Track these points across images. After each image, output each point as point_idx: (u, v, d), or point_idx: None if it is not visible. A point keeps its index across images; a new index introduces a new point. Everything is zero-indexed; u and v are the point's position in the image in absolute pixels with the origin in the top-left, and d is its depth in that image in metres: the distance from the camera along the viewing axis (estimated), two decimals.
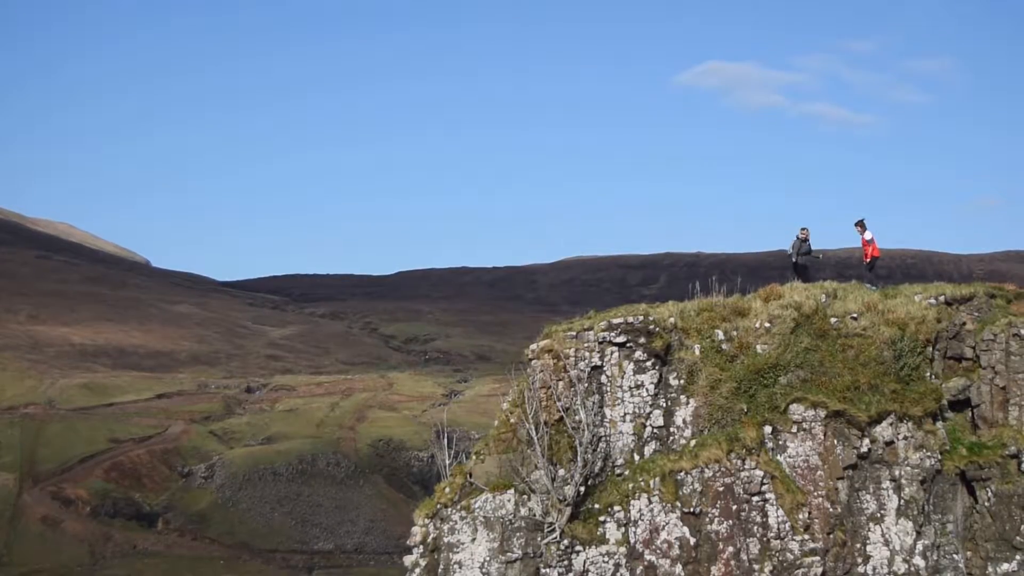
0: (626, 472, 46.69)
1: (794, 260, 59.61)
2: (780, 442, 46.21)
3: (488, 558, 44.96)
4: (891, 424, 46.25)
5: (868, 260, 59.65)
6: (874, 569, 45.53)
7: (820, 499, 45.63)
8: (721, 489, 45.47)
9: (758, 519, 45.33)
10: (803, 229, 60.15)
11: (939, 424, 47.27)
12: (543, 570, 45.10)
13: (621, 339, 47.45)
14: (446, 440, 51.55)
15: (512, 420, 47.32)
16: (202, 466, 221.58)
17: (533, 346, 48.34)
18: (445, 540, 45.69)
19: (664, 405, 47.56)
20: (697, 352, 48.18)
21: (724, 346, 48.29)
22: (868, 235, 59.69)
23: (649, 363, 47.46)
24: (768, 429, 46.32)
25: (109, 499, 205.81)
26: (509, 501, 45.38)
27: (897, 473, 46.03)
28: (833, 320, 48.60)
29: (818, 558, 44.99)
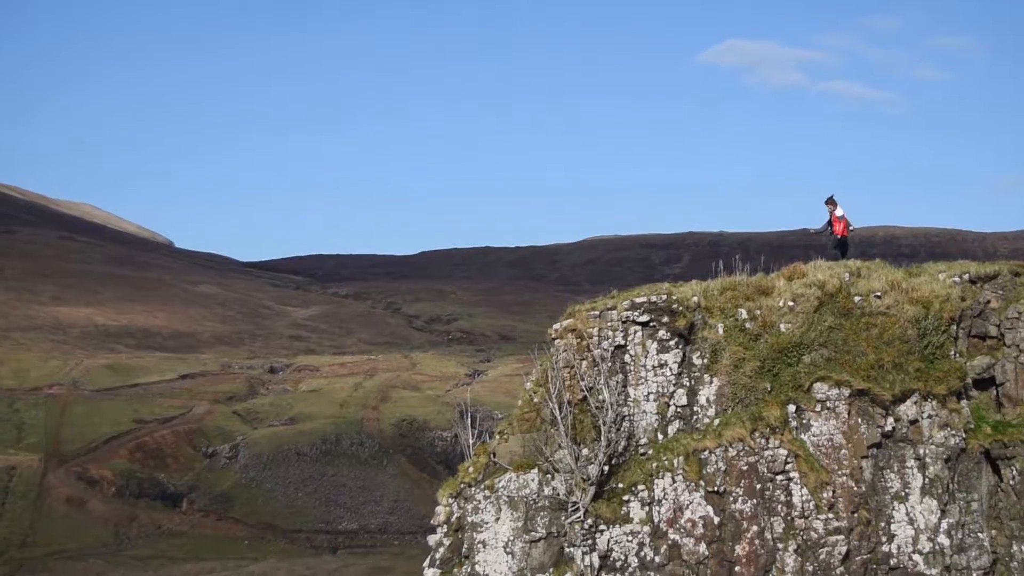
0: (650, 451, 46.70)
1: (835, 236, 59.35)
2: (804, 421, 46.19)
3: (512, 537, 45.03)
4: (915, 403, 46.20)
5: (840, 236, 59.22)
6: (898, 548, 45.51)
7: (844, 478, 45.61)
8: (745, 468, 45.47)
9: (782, 498, 45.33)
10: (830, 199, 59.77)
11: (963, 403, 47.20)
12: (567, 549, 45.16)
13: (644, 318, 47.45)
14: (469, 420, 51.60)
15: (535, 400, 47.34)
16: (226, 446, 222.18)
17: (556, 325, 48.34)
18: (469, 519, 45.75)
19: (688, 384, 47.55)
20: (720, 331, 48.15)
21: (747, 325, 48.25)
22: (840, 211, 59.39)
23: (672, 342, 47.45)
24: (792, 408, 46.29)
25: (134, 479, 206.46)
26: (533, 480, 45.43)
27: (921, 452, 45.99)
28: (857, 299, 48.52)
29: (842, 536, 44.99)
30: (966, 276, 49.58)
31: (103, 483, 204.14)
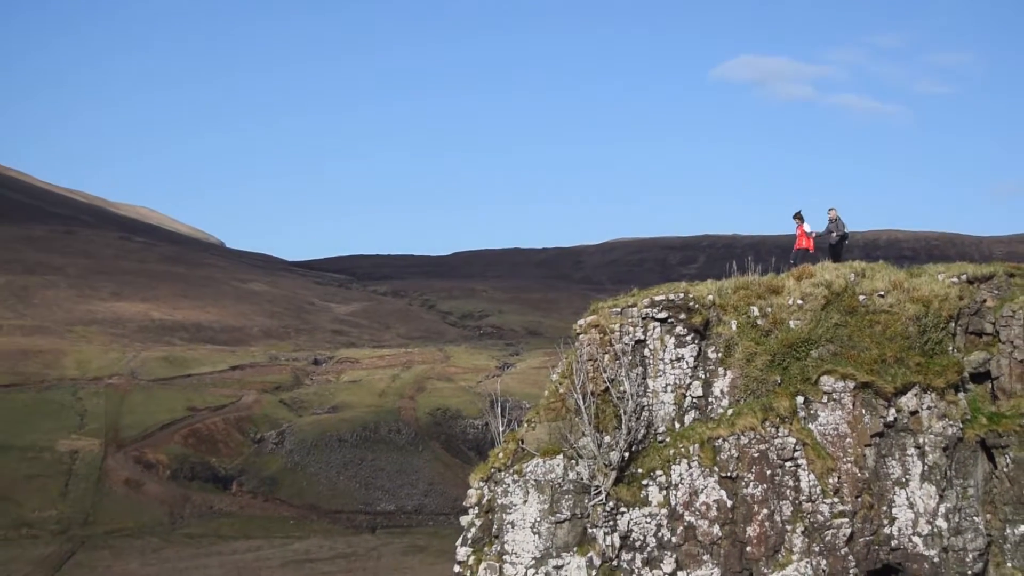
0: (667, 439, 46.78)
1: (832, 242, 59.39)
2: (811, 411, 46.20)
3: (539, 519, 45.12)
4: (915, 395, 46.18)
5: (798, 250, 59.13)
6: (899, 530, 45.49)
7: (849, 465, 45.61)
8: (756, 455, 45.50)
9: (791, 483, 45.34)
10: (831, 210, 59.85)
11: (961, 395, 47.16)
12: (590, 530, 45.23)
13: (663, 315, 47.53)
14: (499, 409, 51.72)
15: (561, 390, 47.47)
16: (273, 433, 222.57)
17: (580, 321, 48.44)
18: (499, 502, 45.85)
19: (703, 377, 47.62)
20: (734, 327, 48.21)
21: (759, 322, 48.30)
22: (807, 227, 59.39)
23: (689, 337, 47.53)
24: (800, 399, 46.31)
25: (187, 463, 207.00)
26: (558, 466, 45.52)
27: (921, 441, 45.96)
28: (861, 298, 48.54)
29: (847, 520, 44.99)
30: (964, 277, 49.56)
31: (159, 466, 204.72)
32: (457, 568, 46.68)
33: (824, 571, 44.80)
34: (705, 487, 45.56)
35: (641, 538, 45.28)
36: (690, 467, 45.72)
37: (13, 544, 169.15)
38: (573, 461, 45.60)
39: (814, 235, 60.82)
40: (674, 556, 45.22)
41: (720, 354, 47.85)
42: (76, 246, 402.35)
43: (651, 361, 47.48)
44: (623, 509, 45.37)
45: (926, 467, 45.78)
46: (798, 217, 59.61)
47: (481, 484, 46.95)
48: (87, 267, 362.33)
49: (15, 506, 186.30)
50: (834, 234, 59.03)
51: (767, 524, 45.27)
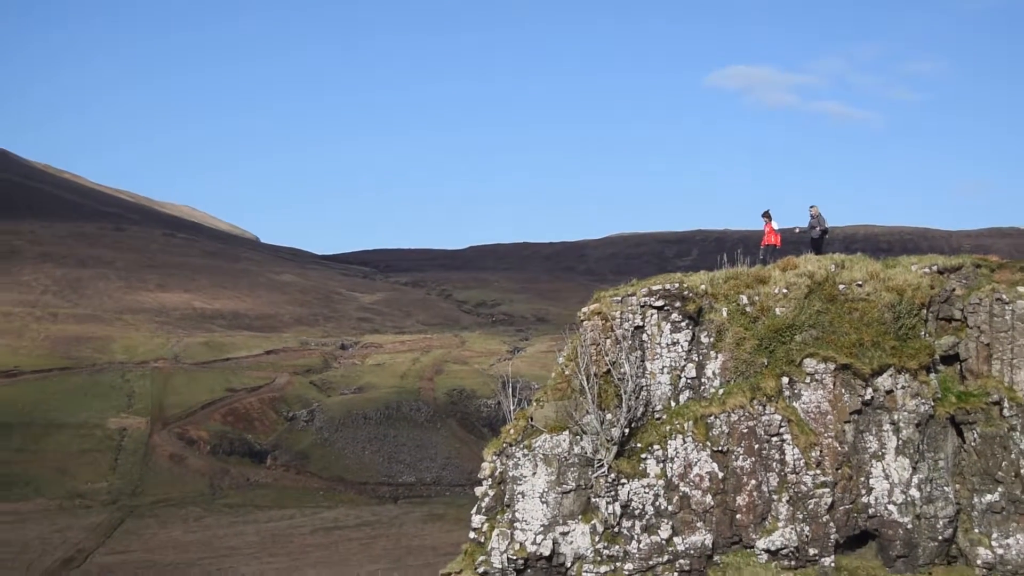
0: (664, 416, 46.80)
1: (814, 236, 59.27)
2: (795, 391, 46.20)
3: (546, 489, 45.13)
4: (891, 376, 46.17)
5: (765, 245, 58.96)
6: (876, 499, 45.49)
7: (830, 439, 45.61)
8: (745, 431, 45.50)
9: (777, 456, 45.36)
10: (813, 207, 59.75)
11: (932, 376, 47.15)
12: (593, 499, 45.25)
13: (659, 303, 47.51)
14: (510, 389, 51.78)
15: (567, 372, 47.47)
16: (304, 411, 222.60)
17: (584, 309, 48.45)
18: (510, 474, 45.87)
19: (696, 359, 47.63)
20: (724, 314, 48.21)
21: (748, 309, 48.32)
22: (775, 224, 59.27)
23: (683, 324, 47.52)
24: (785, 380, 46.32)
25: (226, 439, 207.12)
26: (564, 441, 45.53)
27: (896, 417, 45.95)
28: (841, 287, 48.53)
29: (828, 490, 44.99)
30: (935, 268, 49.54)
31: (200, 442, 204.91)
32: (472, 534, 46.72)
33: (807, 537, 44.82)
34: (698, 460, 45.57)
35: (640, 507, 45.30)
36: (685, 442, 45.74)
37: (68, 513, 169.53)
38: (578, 437, 45.62)
39: (797, 230, 60.75)
40: (670, 523, 45.24)
41: (712, 339, 47.87)
42: (124, 242, 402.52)
43: (649, 345, 47.48)
44: (623, 480, 45.39)
45: (900, 442, 45.77)
46: (766, 215, 59.53)
47: (494, 458, 46.98)
48: (134, 261, 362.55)
49: (70, 478, 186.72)
50: (816, 229, 58.91)
51: (755, 494, 45.28)
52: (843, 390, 46.05)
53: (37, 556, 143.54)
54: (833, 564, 44.98)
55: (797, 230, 60.78)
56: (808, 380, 46.22)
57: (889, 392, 46.17)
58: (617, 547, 44.91)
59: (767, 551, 44.93)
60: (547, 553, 44.72)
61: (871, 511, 45.56)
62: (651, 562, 44.88)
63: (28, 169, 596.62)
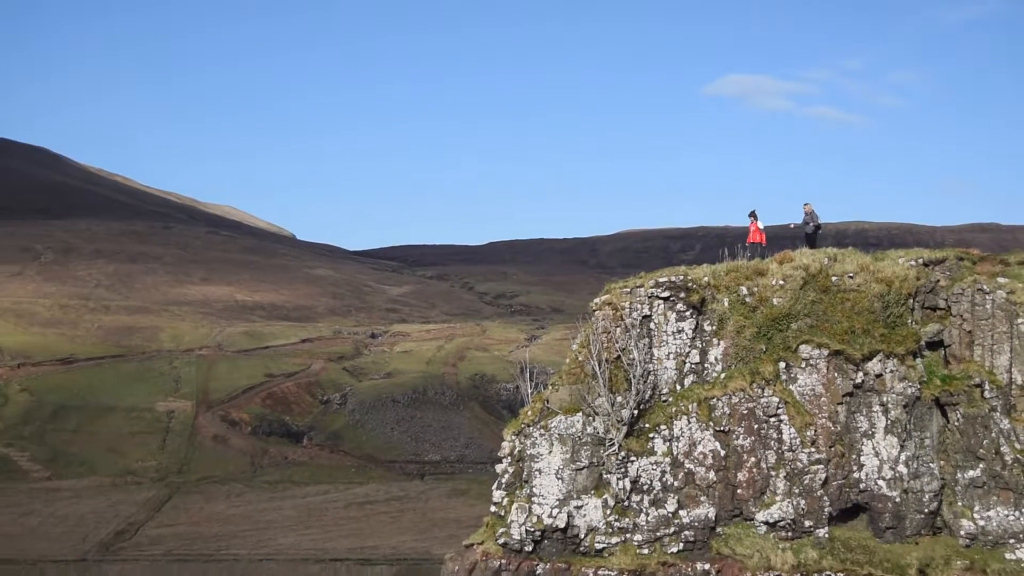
0: (670, 399, 46.89)
1: (808, 232, 59.19)
2: (792, 375, 46.24)
3: (561, 466, 45.27)
4: (880, 360, 46.16)
5: (751, 243, 58.74)
6: (867, 475, 45.52)
7: (824, 420, 45.64)
8: (745, 412, 45.56)
9: (774, 435, 45.41)
10: (807, 204, 59.63)
11: (918, 360, 47.13)
12: (605, 476, 45.37)
13: (666, 294, 47.60)
14: (528, 374, 51.89)
15: (580, 358, 47.61)
16: (337, 395, 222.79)
17: (596, 300, 48.60)
18: (528, 452, 46.02)
19: (700, 346, 47.70)
20: (726, 304, 48.26)
21: (747, 299, 48.35)
22: (760, 223, 59.12)
23: (688, 313, 47.60)
24: (782, 365, 46.38)
25: (265, 421, 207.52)
26: (578, 422, 45.65)
27: (885, 399, 45.95)
28: (834, 278, 48.52)
29: (822, 466, 45.05)
30: (920, 261, 49.49)
31: (241, 424, 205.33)
32: (493, 508, 46.88)
33: (803, 510, 44.87)
34: (702, 439, 45.66)
35: (648, 482, 45.41)
36: (689, 422, 45.83)
37: (120, 489, 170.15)
38: (590, 418, 45.74)
39: (792, 226, 60.66)
40: (676, 497, 45.33)
41: (714, 327, 47.94)
42: (171, 239, 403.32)
43: (656, 333, 47.57)
44: (633, 458, 45.50)
45: (889, 422, 45.78)
46: (752, 215, 59.44)
47: (513, 437, 47.13)
48: (181, 257, 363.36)
49: (121, 457, 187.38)
50: (810, 225, 58.87)
51: (755, 470, 45.35)
52: (836, 374, 46.08)
53: (92, 529, 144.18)
54: (827, 535, 45.05)
55: (792, 226, 60.70)
56: (803, 365, 46.27)
57: (879, 376, 46.17)
58: (627, 520, 45.04)
59: (766, 523, 45.00)
60: (562, 525, 44.87)
61: (862, 486, 45.58)
62: (658, 533, 45.00)
63: (84, 173, 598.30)
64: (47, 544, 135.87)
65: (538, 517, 44.99)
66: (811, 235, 58.65)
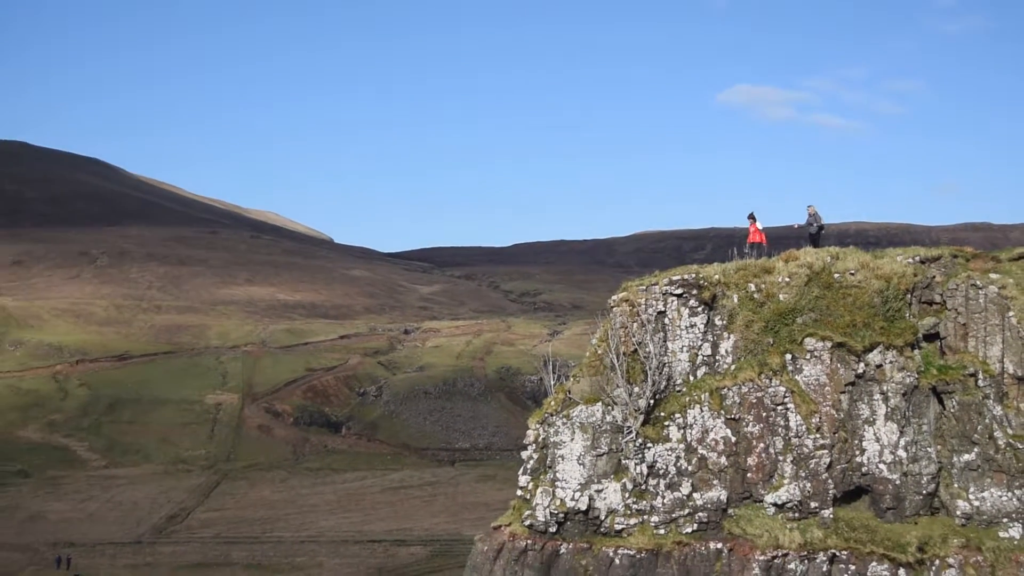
0: (683, 389, 46.83)
1: (811, 232, 59.00)
2: (797, 366, 46.13)
3: (583, 453, 45.28)
4: (880, 352, 46.01)
5: (751, 243, 58.45)
6: (868, 459, 45.38)
7: (828, 408, 45.53)
8: (754, 401, 45.49)
9: (782, 423, 45.31)
10: (810, 206, 59.46)
11: (916, 352, 46.95)
12: (623, 461, 45.38)
13: (679, 291, 47.55)
14: (551, 367, 51.93)
15: (599, 351, 47.58)
16: (373, 387, 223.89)
17: (614, 297, 48.56)
18: (551, 439, 46.04)
19: (711, 339, 47.63)
20: (735, 300, 48.17)
21: (755, 295, 48.25)
22: (760, 225, 58.91)
23: (700, 309, 47.54)
24: (788, 356, 46.25)
25: (306, 412, 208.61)
26: (598, 411, 45.66)
27: (885, 388, 45.81)
28: (836, 275, 48.38)
29: (826, 451, 44.92)
30: (917, 258, 49.30)
31: (284, 415, 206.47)
32: (519, 492, 46.93)
33: (809, 492, 44.77)
34: (714, 426, 45.61)
35: (664, 467, 45.39)
36: (702, 411, 45.79)
37: (172, 476, 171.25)
38: (609, 407, 45.74)
39: (796, 226, 60.45)
40: (690, 481, 45.30)
41: (725, 321, 47.87)
42: (217, 243, 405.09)
43: (670, 328, 47.53)
44: (649, 444, 45.50)
45: (889, 409, 45.64)
46: (751, 217, 59.25)
47: (537, 426, 47.16)
48: (226, 259, 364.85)
49: (173, 446, 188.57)
50: (814, 225, 58.67)
51: (763, 455, 45.28)
52: (839, 365, 45.95)
53: (146, 513, 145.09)
54: (832, 515, 44.93)
55: (796, 226, 60.52)
56: (808, 356, 46.15)
57: (879, 366, 46.03)
58: (644, 502, 45.03)
59: (774, 505, 44.92)
60: (584, 508, 44.89)
61: (864, 469, 45.46)
62: (674, 515, 44.98)
63: (136, 182, 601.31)
64: (105, 527, 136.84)
65: (561, 500, 45.03)
66: (814, 235, 58.45)
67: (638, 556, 44.43)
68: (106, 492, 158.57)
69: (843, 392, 45.84)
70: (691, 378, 47.27)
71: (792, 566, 44.07)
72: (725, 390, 45.99)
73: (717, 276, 49.04)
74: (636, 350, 46.49)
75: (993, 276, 46.92)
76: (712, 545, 44.66)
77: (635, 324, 47.02)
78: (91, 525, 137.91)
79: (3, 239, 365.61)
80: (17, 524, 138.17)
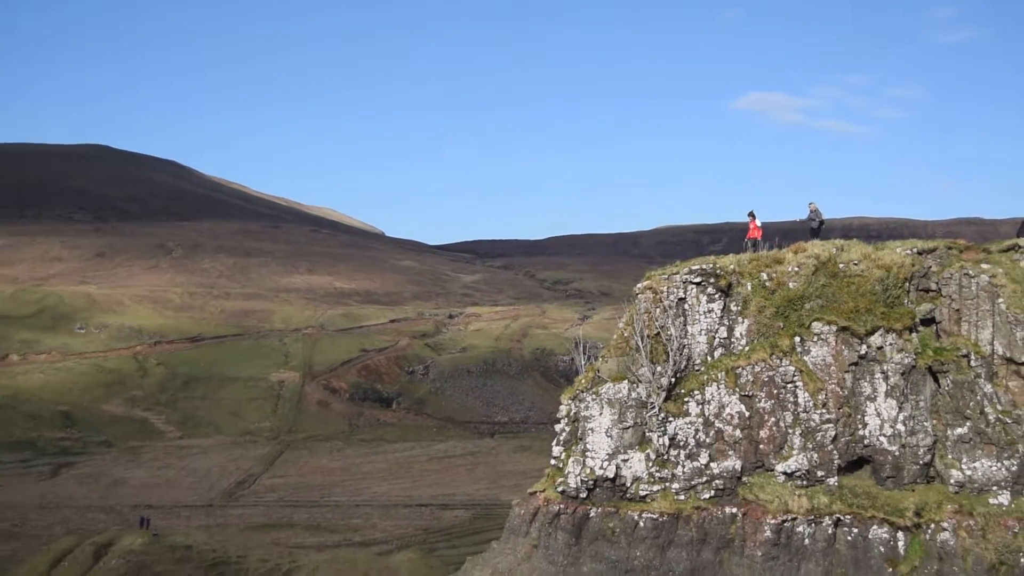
0: (702, 368, 46.93)
1: (813, 227, 58.81)
2: (805, 347, 46.13)
3: (610, 426, 45.48)
4: (881, 335, 45.96)
5: (749, 238, 58.10)
6: (870, 433, 45.38)
7: (833, 385, 45.52)
8: (766, 379, 45.55)
9: (791, 399, 45.35)
10: (811, 203, 59.23)
11: (914, 335, 46.87)
12: (647, 434, 45.54)
13: (698, 280, 47.63)
14: (581, 348, 52.17)
15: (626, 334, 47.72)
16: (421, 367, 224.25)
17: (639, 285, 48.69)
18: (582, 414, 46.26)
19: (727, 324, 47.70)
20: (749, 288, 48.22)
21: (767, 284, 48.27)
22: (759, 222, 58.56)
23: (717, 296, 47.60)
24: (797, 339, 46.25)
25: (361, 389, 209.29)
26: (624, 388, 45.83)
27: (885, 368, 45.75)
28: (841, 265, 48.33)
29: (832, 425, 44.94)
30: (915, 250, 49.20)
31: (340, 391, 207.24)
32: (553, 461, 47.19)
33: (816, 462, 44.83)
34: (729, 402, 45.70)
35: (684, 439, 45.53)
36: (719, 388, 45.88)
37: (240, 446, 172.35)
38: (635, 385, 45.90)
39: (797, 220, 60.23)
40: (708, 452, 45.43)
41: (739, 307, 47.92)
42: (280, 236, 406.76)
43: (690, 313, 47.62)
44: (671, 419, 45.63)
45: (889, 387, 45.60)
46: (751, 215, 58.99)
47: (569, 402, 47.39)
48: (288, 251, 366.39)
49: (241, 420, 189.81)
50: (815, 221, 58.51)
51: (774, 428, 45.35)
52: (843, 347, 45.92)
53: (217, 479, 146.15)
54: (836, 483, 44.96)
55: (797, 220, 60.30)
56: (815, 339, 46.14)
57: (880, 348, 45.98)
58: (666, 471, 45.19)
59: (784, 473, 44.99)
60: (611, 476, 45.10)
61: (866, 441, 45.45)
62: (693, 482, 45.13)
63: (208, 181, 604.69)
64: (180, 492, 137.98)
65: (591, 469, 45.25)
66: (815, 230, 58.34)
67: (660, 519, 44.64)
68: (181, 460, 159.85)
69: (847, 371, 45.83)
70: (709, 358, 47.36)
71: (800, 529, 44.16)
72: (740, 369, 46.07)
73: (732, 266, 49.10)
74: (659, 333, 46.62)
75: (984, 266, 46.79)
76: (728, 510, 44.81)
77: (658, 309, 47.15)
78: (168, 490, 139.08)
79: (88, 233, 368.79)
80: (102, 489, 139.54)
